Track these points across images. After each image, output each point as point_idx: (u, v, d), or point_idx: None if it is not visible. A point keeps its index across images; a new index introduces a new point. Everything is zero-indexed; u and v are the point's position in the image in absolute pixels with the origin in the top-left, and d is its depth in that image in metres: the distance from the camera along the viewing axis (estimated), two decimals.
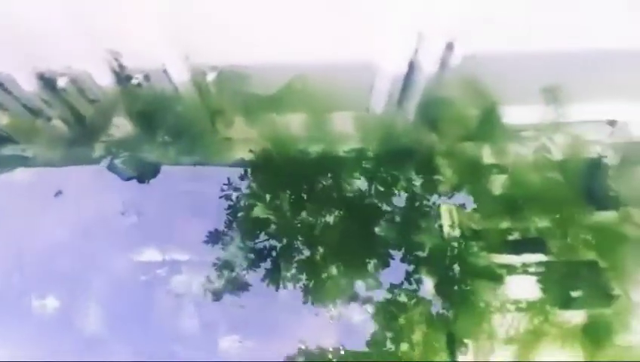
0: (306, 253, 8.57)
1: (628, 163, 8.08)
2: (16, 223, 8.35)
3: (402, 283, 8.50)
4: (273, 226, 8.90)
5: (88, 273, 7.97)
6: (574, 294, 8.30)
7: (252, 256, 8.58)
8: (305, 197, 9.04)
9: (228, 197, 8.96)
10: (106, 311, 7.82)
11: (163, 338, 7.82)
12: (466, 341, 8.14)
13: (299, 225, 8.86)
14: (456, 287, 8.32)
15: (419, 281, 8.50)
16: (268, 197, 8.97)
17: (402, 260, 8.48)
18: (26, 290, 7.93)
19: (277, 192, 9.03)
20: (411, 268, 8.50)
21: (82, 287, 7.87)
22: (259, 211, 8.93)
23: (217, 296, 8.35)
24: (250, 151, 8.97)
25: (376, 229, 8.46)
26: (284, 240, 8.76)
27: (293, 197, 9.02)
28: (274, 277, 8.51)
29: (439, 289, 8.38)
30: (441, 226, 8.47)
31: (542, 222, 8.46)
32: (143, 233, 8.58)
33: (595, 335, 7.60)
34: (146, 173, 8.80)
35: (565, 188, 8.34)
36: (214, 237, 8.72)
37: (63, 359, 7.27)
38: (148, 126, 8.15)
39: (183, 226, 8.72)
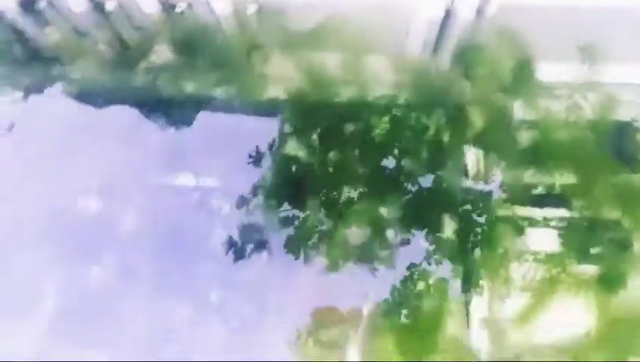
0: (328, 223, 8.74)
1: None
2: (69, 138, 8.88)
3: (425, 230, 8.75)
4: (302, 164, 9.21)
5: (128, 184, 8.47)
6: (593, 250, 8.43)
7: (277, 222, 8.77)
8: (334, 139, 9.28)
9: (261, 133, 9.26)
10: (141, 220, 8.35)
11: (189, 251, 8.29)
12: (481, 283, 8.37)
13: (327, 165, 9.11)
14: (478, 231, 8.49)
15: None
16: (299, 135, 9.24)
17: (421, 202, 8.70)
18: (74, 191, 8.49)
19: (308, 131, 9.27)
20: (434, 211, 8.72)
21: (122, 195, 8.40)
22: (290, 147, 9.20)
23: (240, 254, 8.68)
24: (285, 89, 9.21)
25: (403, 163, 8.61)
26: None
27: (323, 137, 9.26)
28: (294, 246, 8.68)
29: (460, 232, 8.59)
30: (466, 172, 8.61)
31: (567, 179, 8.56)
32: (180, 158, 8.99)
33: (608, 284, 7.73)
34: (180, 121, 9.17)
35: (594, 148, 8.37)
36: (257, 160, 9.07)
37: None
38: (188, 54, 8.40)
39: (218, 156, 9.08)
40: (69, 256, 8.08)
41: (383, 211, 8.48)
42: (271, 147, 9.00)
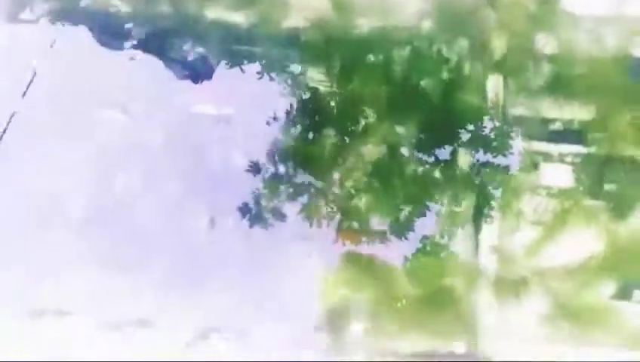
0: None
1: None
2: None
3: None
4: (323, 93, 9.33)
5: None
6: (607, 186, 8.49)
7: (291, 189, 8.84)
8: (355, 70, 9.36)
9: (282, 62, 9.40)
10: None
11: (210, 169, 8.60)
12: (492, 213, 8.52)
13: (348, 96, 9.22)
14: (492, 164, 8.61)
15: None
16: (319, 64, 9.34)
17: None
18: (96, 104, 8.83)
19: (328, 61, 9.36)
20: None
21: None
22: (310, 76, 9.31)
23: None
24: (306, 18, 9.27)
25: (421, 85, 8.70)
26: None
27: (343, 67, 9.34)
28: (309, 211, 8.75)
29: (474, 164, 8.72)
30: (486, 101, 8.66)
31: (586, 114, 8.57)
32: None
33: (617, 213, 7.83)
34: (200, 73, 9.29)
35: (615, 82, 8.34)
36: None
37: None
38: None
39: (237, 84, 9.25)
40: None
41: (399, 130, 8.62)
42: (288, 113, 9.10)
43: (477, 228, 8.64)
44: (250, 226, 8.58)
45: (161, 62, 9.09)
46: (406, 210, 8.73)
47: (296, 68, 9.31)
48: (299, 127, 9.08)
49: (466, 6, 8.39)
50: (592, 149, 8.52)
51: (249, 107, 9.05)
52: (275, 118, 8.99)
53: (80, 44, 9.17)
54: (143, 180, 8.38)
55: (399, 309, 7.81)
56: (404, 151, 8.65)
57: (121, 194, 8.32)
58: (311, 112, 9.25)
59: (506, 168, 8.72)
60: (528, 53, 8.21)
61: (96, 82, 8.81)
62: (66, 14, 9.24)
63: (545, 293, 7.69)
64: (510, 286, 7.80)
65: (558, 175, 8.77)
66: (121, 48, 9.19)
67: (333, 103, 9.25)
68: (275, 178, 8.95)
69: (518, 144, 8.77)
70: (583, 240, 8.10)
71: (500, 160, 8.78)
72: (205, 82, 9.24)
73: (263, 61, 9.19)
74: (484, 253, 8.28)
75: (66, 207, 8.44)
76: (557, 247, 8.10)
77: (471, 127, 8.76)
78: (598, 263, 7.76)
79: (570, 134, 8.86)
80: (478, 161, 8.81)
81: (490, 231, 8.52)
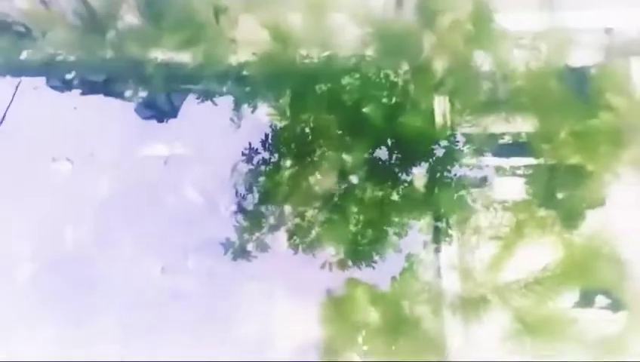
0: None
1: (615, 65, 8.23)
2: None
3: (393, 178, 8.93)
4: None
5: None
6: (559, 195, 8.63)
7: (272, 222, 8.82)
8: (305, 100, 9.42)
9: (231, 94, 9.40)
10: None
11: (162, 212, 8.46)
12: (450, 232, 8.57)
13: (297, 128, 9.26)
14: (446, 181, 8.70)
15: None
16: (269, 97, 9.38)
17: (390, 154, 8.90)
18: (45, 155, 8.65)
19: (278, 94, 9.41)
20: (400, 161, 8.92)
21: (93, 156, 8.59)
22: (262, 111, 9.34)
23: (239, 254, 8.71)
24: (254, 54, 9.34)
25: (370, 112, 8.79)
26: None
27: (293, 99, 9.39)
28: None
29: (428, 185, 8.78)
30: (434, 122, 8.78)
31: (531, 126, 8.76)
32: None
33: (569, 221, 7.95)
34: (165, 113, 9.30)
35: (555, 94, 8.55)
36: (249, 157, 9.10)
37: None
38: (154, 16, 8.51)
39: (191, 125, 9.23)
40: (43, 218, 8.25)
41: (348, 159, 8.67)
42: (264, 144, 9.13)
43: (437, 249, 8.69)
44: (234, 259, 8.53)
45: (107, 107, 9.01)
46: (366, 236, 8.75)
47: (247, 103, 9.34)
48: (256, 161, 9.09)
49: (405, 30, 8.54)
50: (541, 160, 8.69)
51: (202, 145, 9.03)
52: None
53: (23, 97, 9.08)
54: (93, 230, 8.23)
55: (363, 340, 7.75)
56: (354, 179, 8.67)
57: (72, 246, 8.15)
58: (267, 145, 9.29)
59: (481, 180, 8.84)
60: (468, 72, 8.37)
61: (42, 134, 8.70)
62: (6, 68, 9.14)
63: (505, 309, 7.71)
64: (472, 305, 7.80)
65: (511, 188, 8.91)
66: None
67: (287, 135, 9.29)
68: (241, 211, 8.93)
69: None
70: (540, 252, 8.19)
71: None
72: (154, 123, 9.20)
73: (213, 97, 9.21)
74: (446, 274, 8.30)
75: (16, 262, 8.25)
76: (515, 261, 8.17)
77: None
78: (555, 274, 7.82)
79: (520, 147, 9.04)
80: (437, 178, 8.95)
81: (449, 251, 8.57)
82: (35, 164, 8.60)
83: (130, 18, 8.78)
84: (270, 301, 8.19)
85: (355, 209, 8.70)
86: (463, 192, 8.75)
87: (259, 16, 8.59)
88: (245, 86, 9.38)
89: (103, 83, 9.15)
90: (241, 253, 8.69)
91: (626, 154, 7.89)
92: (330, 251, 8.66)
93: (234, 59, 9.33)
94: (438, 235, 8.58)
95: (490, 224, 8.64)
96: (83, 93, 9.13)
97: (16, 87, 9.00)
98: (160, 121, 9.26)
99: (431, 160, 8.88)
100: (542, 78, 8.32)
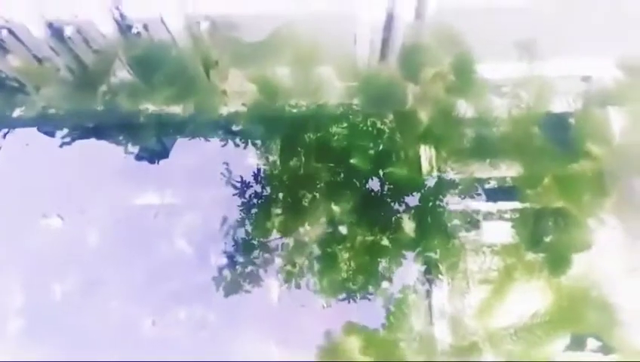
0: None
1: (594, 113, 8.51)
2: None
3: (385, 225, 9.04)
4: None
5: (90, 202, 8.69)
6: (546, 239, 8.76)
7: (267, 254, 8.93)
8: (294, 148, 9.60)
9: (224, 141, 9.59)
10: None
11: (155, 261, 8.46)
12: (440, 276, 8.63)
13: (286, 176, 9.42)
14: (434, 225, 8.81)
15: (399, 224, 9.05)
16: (259, 146, 9.57)
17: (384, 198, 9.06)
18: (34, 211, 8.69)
19: (268, 143, 9.60)
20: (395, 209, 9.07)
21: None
22: (251, 157, 9.51)
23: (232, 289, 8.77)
24: (243, 104, 9.57)
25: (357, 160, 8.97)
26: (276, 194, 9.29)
27: (284, 147, 9.57)
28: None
29: (419, 227, 8.89)
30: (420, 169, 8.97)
31: (515, 172, 8.96)
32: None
33: (556, 267, 8.05)
34: (157, 154, 9.46)
35: (537, 140, 8.79)
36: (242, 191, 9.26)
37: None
38: (145, 72, 8.74)
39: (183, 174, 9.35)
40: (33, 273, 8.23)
41: (336, 209, 8.80)
42: (256, 177, 9.31)
43: (429, 290, 8.74)
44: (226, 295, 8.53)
45: (97, 158, 9.11)
46: (357, 283, 8.80)
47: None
48: (248, 210, 9.19)
49: (388, 82, 8.82)
50: (527, 205, 8.86)
51: (193, 193, 9.13)
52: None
53: (14, 153, 9.19)
54: (82, 284, 8.22)
55: None
56: (343, 228, 8.78)
57: (62, 300, 8.12)
58: (259, 178, 9.42)
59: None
60: (452, 121, 8.62)
61: (32, 189, 8.77)
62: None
63: (497, 356, 7.71)
64: (464, 353, 7.80)
65: (499, 232, 9.04)
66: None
67: (276, 183, 9.43)
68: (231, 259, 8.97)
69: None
70: (530, 296, 8.26)
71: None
72: (146, 173, 9.31)
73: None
74: (437, 321, 8.32)
75: (6, 315, 8.18)
76: (505, 306, 8.22)
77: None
78: (545, 320, 7.88)
79: (506, 191, 9.22)
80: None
81: (440, 296, 8.62)
82: (26, 219, 8.63)
83: (122, 73, 9.00)
84: (264, 348, 8.14)
85: (345, 255, 8.79)
86: (451, 235, 8.90)
87: (247, 70, 8.82)
88: (236, 136, 9.59)
89: (94, 130, 9.30)
90: (233, 287, 8.71)
91: (607, 200, 8.07)
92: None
93: (225, 110, 9.56)
94: (429, 276, 8.66)
95: (479, 268, 8.74)
96: (73, 139, 9.27)
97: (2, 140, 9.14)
98: (152, 162, 9.40)
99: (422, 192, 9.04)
100: (523, 124, 8.58)
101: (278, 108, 9.25)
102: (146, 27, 8.59)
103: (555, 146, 8.43)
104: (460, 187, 9.07)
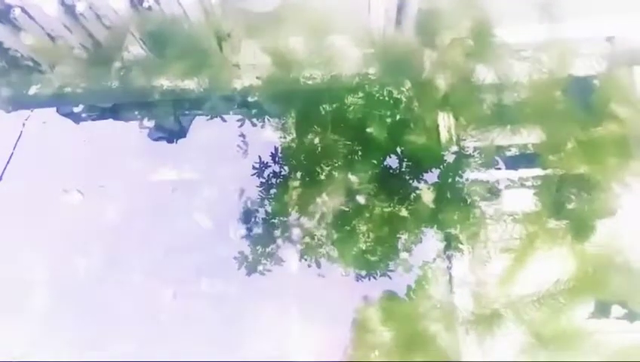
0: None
1: (618, 74, 8.21)
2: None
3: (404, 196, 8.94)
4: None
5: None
6: (569, 206, 8.58)
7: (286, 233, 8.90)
8: (311, 121, 9.49)
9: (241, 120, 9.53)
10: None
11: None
12: (461, 246, 8.53)
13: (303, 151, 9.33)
14: (454, 197, 8.68)
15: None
16: (275, 122, 9.49)
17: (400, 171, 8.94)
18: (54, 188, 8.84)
19: (284, 116, 9.50)
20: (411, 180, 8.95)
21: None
22: (268, 132, 9.45)
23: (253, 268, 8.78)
24: (258, 78, 9.47)
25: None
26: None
27: (299, 120, 9.48)
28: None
29: (438, 199, 8.78)
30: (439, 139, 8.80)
31: (538, 138, 8.75)
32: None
33: (580, 233, 7.88)
34: (174, 133, 9.44)
35: (559, 104, 8.55)
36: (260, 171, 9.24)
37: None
38: (158, 47, 8.69)
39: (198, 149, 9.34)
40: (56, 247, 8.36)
41: (354, 179, 8.71)
42: (274, 157, 9.25)
43: (449, 264, 8.65)
44: (248, 274, 8.58)
45: (114, 136, 9.16)
46: (376, 254, 8.75)
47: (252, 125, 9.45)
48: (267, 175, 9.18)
49: (405, 49, 8.62)
50: (549, 171, 8.66)
51: (210, 169, 9.13)
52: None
53: (32, 131, 9.27)
54: (105, 259, 8.33)
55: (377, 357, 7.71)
56: (361, 199, 8.70)
57: (85, 275, 8.25)
58: (276, 158, 9.36)
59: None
60: (471, 87, 8.41)
61: (52, 166, 8.87)
62: (17, 102, 9.35)
63: (519, 324, 7.63)
64: (485, 321, 7.73)
65: (521, 200, 8.87)
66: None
67: (295, 153, 9.36)
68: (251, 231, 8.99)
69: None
70: (552, 264, 8.12)
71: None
72: (164, 150, 9.32)
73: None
74: (458, 290, 8.25)
75: (32, 292, 8.35)
76: (528, 274, 8.10)
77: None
78: (568, 287, 7.75)
79: (527, 158, 9.02)
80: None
81: (461, 266, 8.53)
82: (46, 195, 8.75)
83: (135, 49, 8.96)
84: (284, 321, 8.19)
85: (363, 227, 8.73)
86: (472, 206, 8.77)
87: (260, 41, 8.69)
88: (251, 109, 9.52)
89: (111, 109, 9.35)
90: (255, 266, 8.78)
91: (633, 164, 7.83)
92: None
93: (239, 84, 9.47)
94: (449, 250, 8.56)
95: (500, 237, 8.61)
96: (93, 120, 9.35)
97: (24, 121, 9.24)
98: (170, 141, 9.41)
99: (441, 167, 8.90)
100: (545, 89, 8.33)
101: (293, 80, 9.13)
102: (157, 1, 8.51)
103: (578, 110, 8.19)
104: (480, 155, 8.91)
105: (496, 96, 8.47)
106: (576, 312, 7.98)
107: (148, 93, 8.93)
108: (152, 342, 7.87)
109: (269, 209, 9.04)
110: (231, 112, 9.35)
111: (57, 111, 9.47)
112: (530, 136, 8.82)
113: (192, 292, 8.25)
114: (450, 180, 8.85)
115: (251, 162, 9.19)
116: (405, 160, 9.11)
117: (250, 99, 9.24)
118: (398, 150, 9.10)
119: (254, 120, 9.46)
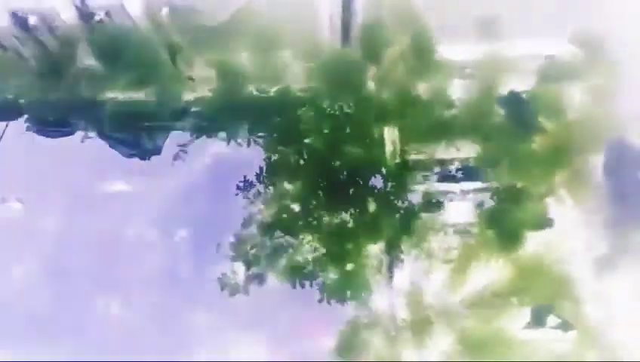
0: None
1: (548, 89, 8.51)
2: None
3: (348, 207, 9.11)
4: None
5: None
6: (504, 218, 8.78)
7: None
8: (263, 132, 9.68)
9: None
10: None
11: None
12: (402, 257, 8.71)
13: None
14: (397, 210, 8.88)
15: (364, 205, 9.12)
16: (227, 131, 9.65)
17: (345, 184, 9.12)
18: None
19: (235, 128, 9.67)
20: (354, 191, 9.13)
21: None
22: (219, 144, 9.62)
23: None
24: (210, 90, 9.64)
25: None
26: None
27: (251, 131, 9.65)
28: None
29: (382, 210, 8.96)
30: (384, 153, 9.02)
31: (477, 152, 8.99)
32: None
33: (509, 244, 8.11)
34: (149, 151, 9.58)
35: (495, 120, 8.80)
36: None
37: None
38: (109, 59, 8.85)
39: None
40: None
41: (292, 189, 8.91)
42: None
43: (391, 274, 8.82)
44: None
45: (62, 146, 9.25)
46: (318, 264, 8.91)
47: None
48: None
49: (349, 64, 8.87)
50: (488, 184, 8.91)
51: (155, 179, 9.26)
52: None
53: None
54: (42, 268, 8.36)
55: None
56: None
57: (21, 284, 8.28)
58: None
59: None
60: (412, 102, 8.67)
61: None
62: None
63: (450, 331, 7.80)
64: (419, 329, 7.89)
65: (462, 212, 9.09)
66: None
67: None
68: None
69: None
70: (487, 274, 8.33)
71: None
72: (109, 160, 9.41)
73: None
74: (397, 298, 8.42)
75: None
76: (465, 283, 8.29)
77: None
78: (498, 294, 7.95)
79: (469, 171, 9.27)
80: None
81: (402, 275, 8.70)
82: None
83: (86, 60, 9.12)
84: (221, 331, 8.28)
85: (309, 237, 8.89)
86: (414, 217, 8.96)
87: (206, 55, 8.90)
88: (202, 121, 9.68)
89: (58, 122, 9.42)
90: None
91: (561, 176, 8.10)
92: None
93: (193, 96, 9.64)
94: (391, 260, 8.74)
95: (441, 247, 8.80)
96: (39, 130, 9.41)
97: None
98: (143, 158, 9.53)
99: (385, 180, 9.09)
100: (482, 105, 8.60)
101: (242, 93, 9.32)
102: (108, 14, 8.73)
103: (513, 125, 8.46)
104: (423, 168, 9.14)
105: (436, 111, 8.70)
106: (511, 322, 8.18)
107: (97, 105, 9.05)
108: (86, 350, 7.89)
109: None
110: (180, 125, 9.49)
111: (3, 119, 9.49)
112: (471, 150, 9.09)
113: (130, 302, 8.31)
114: (393, 192, 9.06)
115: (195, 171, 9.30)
116: (350, 172, 9.31)
117: (194, 110, 9.38)
118: (342, 162, 9.28)
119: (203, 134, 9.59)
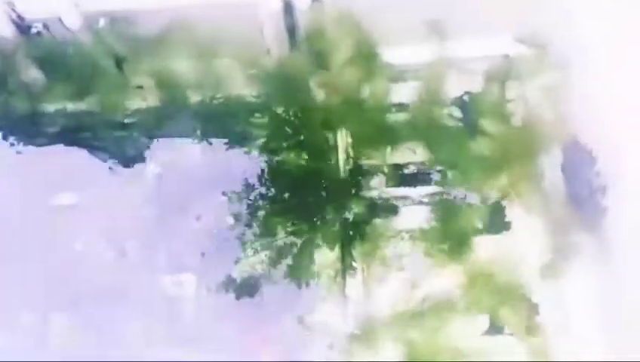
0: None
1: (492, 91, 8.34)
2: None
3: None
4: None
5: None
6: (454, 224, 8.60)
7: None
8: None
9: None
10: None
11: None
12: (355, 265, 8.55)
13: None
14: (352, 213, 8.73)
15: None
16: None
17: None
18: None
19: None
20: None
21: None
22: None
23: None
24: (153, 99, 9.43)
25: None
26: None
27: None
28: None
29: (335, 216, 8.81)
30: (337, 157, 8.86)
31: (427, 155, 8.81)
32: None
33: (457, 246, 7.97)
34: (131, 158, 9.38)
35: (442, 123, 8.63)
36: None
37: None
38: (49, 71, 8.66)
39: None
40: None
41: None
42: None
43: (344, 282, 8.67)
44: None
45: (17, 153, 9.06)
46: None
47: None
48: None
49: (294, 71, 8.67)
50: (441, 189, 8.74)
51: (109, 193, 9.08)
52: None
53: None
54: None
55: None
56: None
57: None
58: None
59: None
60: (358, 108, 8.48)
61: None
62: None
63: (399, 342, 7.66)
64: (362, 339, 7.76)
65: (417, 217, 8.91)
66: None
67: None
68: None
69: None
70: (443, 280, 8.19)
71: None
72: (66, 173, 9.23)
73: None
74: (348, 308, 8.28)
75: None
76: (415, 291, 8.15)
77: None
78: (453, 301, 7.82)
79: (424, 176, 9.10)
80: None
81: (354, 283, 8.55)
82: None
83: (27, 74, 8.91)
84: (173, 348, 8.15)
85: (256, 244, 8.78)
86: (368, 223, 8.81)
87: (145, 64, 8.69)
88: (151, 129, 9.49)
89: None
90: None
91: (504, 179, 7.93)
92: None
93: (143, 105, 9.44)
94: (344, 268, 8.58)
95: (395, 254, 8.65)
96: None
97: None
98: (126, 166, 9.34)
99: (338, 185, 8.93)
100: (429, 108, 8.42)
101: (188, 100, 9.11)
102: (46, 27, 8.52)
103: (460, 128, 8.29)
104: (376, 173, 8.97)
105: (383, 115, 8.52)
106: (467, 330, 8.04)
107: (35, 116, 8.85)
108: None
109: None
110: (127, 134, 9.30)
111: None
112: (424, 155, 8.91)
113: (79, 317, 8.17)
114: (346, 198, 8.89)
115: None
116: (304, 179, 9.14)
117: (135, 120, 9.19)
118: (297, 170, 9.13)
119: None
